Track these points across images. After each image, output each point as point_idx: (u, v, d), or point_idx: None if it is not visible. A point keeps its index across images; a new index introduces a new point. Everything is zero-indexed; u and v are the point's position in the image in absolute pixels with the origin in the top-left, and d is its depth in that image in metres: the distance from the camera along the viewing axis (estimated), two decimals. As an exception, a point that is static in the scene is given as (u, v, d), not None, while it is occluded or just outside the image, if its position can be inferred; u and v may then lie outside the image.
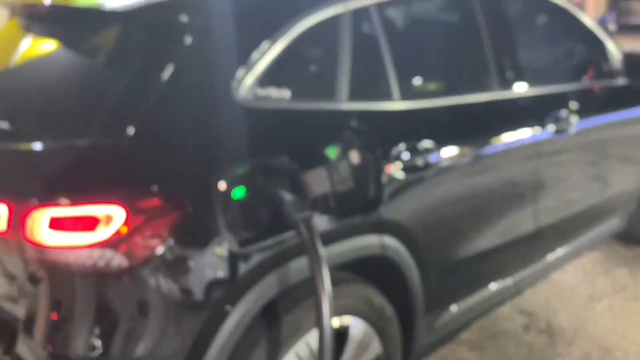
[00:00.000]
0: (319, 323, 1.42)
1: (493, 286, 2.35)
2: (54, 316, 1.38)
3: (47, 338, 1.38)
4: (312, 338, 1.59)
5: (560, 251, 2.70)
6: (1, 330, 1.52)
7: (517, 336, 2.64)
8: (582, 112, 2.53)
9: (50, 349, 1.38)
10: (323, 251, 1.44)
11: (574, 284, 3.10)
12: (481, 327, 2.70)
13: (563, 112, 2.41)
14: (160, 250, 1.34)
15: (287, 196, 1.45)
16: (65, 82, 1.61)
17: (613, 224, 3.12)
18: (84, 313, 1.35)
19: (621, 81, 2.87)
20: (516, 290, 2.52)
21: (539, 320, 2.76)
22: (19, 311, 1.48)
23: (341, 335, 1.72)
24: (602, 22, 17.86)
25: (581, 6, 16.84)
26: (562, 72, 2.72)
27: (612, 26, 18.15)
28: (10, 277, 1.50)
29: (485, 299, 2.33)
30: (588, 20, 2.81)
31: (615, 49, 2.87)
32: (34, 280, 1.41)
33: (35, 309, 1.41)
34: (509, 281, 2.42)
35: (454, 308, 2.17)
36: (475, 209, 2.13)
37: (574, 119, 2.45)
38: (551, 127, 2.34)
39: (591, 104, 2.66)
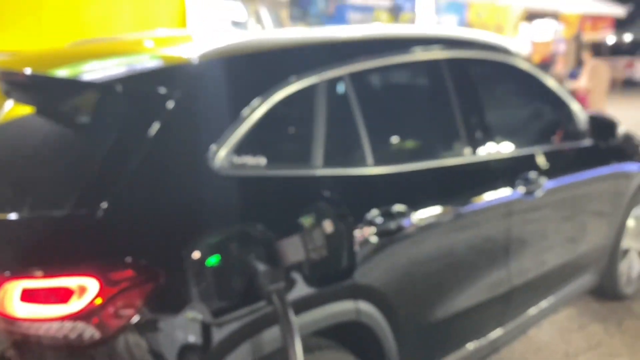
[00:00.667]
0: None
1: (469, 346, 2.36)
2: None
3: None
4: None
5: (535, 309, 2.73)
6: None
7: (495, 396, 2.63)
8: (551, 173, 2.62)
9: None
10: (295, 321, 1.45)
11: (550, 341, 3.12)
12: (459, 387, 2.69)
13: (532, 174, 2.49)
14: (133, 321, 1.34)
15: (261, 266, 1.47)
16: (42, 151, 1.62)
17: (586, 279, 3.18)
18: None
19: (587, 142, 2.98)
20: (493, 349, 2.52)
21: (516, 379, 2.76)
22: None
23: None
24: (573, 76, 18.57)
25: (552, 61, 17.54)
26: (530, 135, 2.82)
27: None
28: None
29: (462, 359, 2.33)
30: (554, 84, 2.94)
31: (580, 111, 3.00)
32: (3, 353, 1.39)
33: None
34: (485, 340, 2.43)
35: (430, 370, 2.17)
36: (449, 271, 2.17)
37: (543, 180, 2.53)
38: (521, 189, 2.42)
39: (559, 165, 2.76)
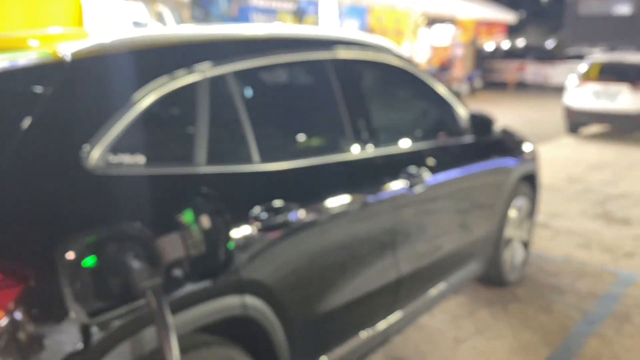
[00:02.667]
0: None
1: (361, 335, 2.44)
2: None
3: None
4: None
5: (424, 297, 2.87)
6: None
7: (389, 384, 2.74)
8: (434, 168, 2.77)
9: None
10: (171, 318, 1.44)
11: (441, 328, 3.29)
12: (355, 378, 2.77)
13: (416, 169, 2.62)
14: (3, 323, 1.28)
15: (135, 264, 1.45)
16: None
17: (473, 268, 3.39)
18: None
19: (468, 138, 3.18)
20: (385, 338, 2.62)
21: (410, 367, 2.89)
22: None
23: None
24: (470, 79, 19.65)
25: (450, 64, 18.43)
26: (414, 132, 2.97)
27: (478, 83, 20.03)
28: None
29: (354, 348, 2.40)
30: (439, 85, 3.11)
31: (462, 110, 3.20)
32: None
33: None
34: (376, 330, 2.52)
35: (322, 361, 2.23)
36: (337, 264, 2.23)
37: (427, 174, 2.67)
38: (405, 183, 2.53)
39: (442, 160, 2.92)
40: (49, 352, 1.34)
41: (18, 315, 1.30)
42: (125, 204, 1.58)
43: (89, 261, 1.40)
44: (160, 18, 8.71)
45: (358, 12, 13.77)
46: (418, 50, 20.70)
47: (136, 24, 9.27)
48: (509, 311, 3.51)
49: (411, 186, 2.56)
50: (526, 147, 3.82)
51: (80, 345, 1.38)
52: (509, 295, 3.73)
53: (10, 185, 1.41)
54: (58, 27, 4.67)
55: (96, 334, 1.41)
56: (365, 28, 14.07)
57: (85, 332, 1.40)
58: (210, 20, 9.73)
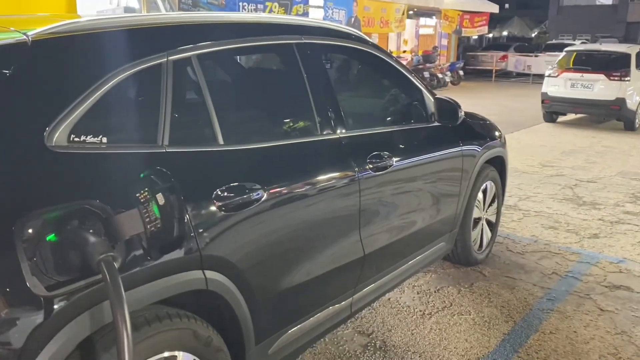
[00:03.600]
0: None
1: (326, 310, 2.55)
2: None
3: None
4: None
5: (390, 274, 2.99)
6: None
7: (356, 356, 2.86)
8: (400, 151, 2.89)
9: None
10: (123, 292, 1.48)
11: (409, 304, 3.43)
12: (324, 349, 2.90)
13: (382, 151, 2.72)
14: None
15: (90, 237, 1.51)
16: None
17: (441, 247, 3.52)
18: None
19: (434, 124, 3.30)
20: (351, 313, 2.74)
21: (377, 340, 3.02)
22: None
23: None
24: (452, 69, 19.77)
25: (434, 54, 18.51)
26: (382, 116, 3.07)
27: (460, 72, 20.18)
28: None
29: (319, 322, 2.51)
30: (408, 72, 3.22)
31: (429, 96, 3.31)
32: None
33: None
34: (342, 304, 2.64)
35: (287, 334, 2.33)
36: (300, 241, 2.33)
37: (392, 157, 2.78)
38: (371, 165, 2.63)
39: (408, 144, 3.04)
40: (8, 325, 1.40)
41: None
42: (85, 182, 1.64)
43: (48, 236, 1.46)
44: (152, 6, 8.71)
45: (345, 2, 13.80)
46: (403, 40, 20.81)
47: (128, 10, 9.29)
48: (474, 289, 3.66)
49: (376, 169, 2.66)
50: (493, 132, 3.95)
51: (38, 318, 1.44)
52: (476, 274, 3.88)
53: None
54: (46, 12, 4.70)
55: (54, 307, 1.47)
56: (352, 18, 14.11)
57: (43, 305, 1.45)
58: (198, 9, 9.73)
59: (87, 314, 1.54)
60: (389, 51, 3.06)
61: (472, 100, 13.70)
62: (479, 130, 3.85)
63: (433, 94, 3.35)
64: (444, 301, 3.48)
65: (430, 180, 3.23)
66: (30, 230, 1.44)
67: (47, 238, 1.47)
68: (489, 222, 4.10)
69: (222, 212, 1.93)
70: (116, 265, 1.50)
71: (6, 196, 1.47)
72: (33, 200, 1.50)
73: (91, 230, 1.53)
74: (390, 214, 2.88)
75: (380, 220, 2.80)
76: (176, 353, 1.81)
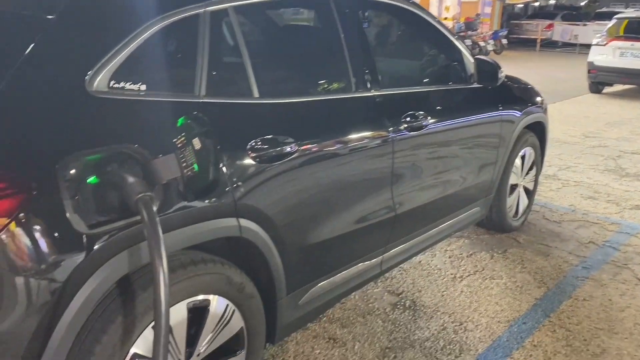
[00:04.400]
0: (155, 301, 1.51)
1: (357, 266, 2.58)
2: None
3: None
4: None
5: (421, 235, 2.99)
6: None
7: (385, 313, 2.90)
8: (437, 112, 2.85)
9: None
10: (160, 230, 1.52)
11: (441, 267, 3.43)
12: (354, 306, 2.95)
13: (418, 112, 2.69)
14: (5, 232, 1.38)
15: (129, 178, 1.56)
16: None
17: (475, 212, 3.49)
18: None
19: (473, 85, 3.23)
20: (381, 271, 2.77)
21: (406, 299, 3.04)
22: None
23: (202, 310, 1.86)
24: (495, 37, 19.16)
25: (477, 21, 17.99)
26: (420, 77, 3.02)
27: (503, 41, 19.56)
28: None
29: (349, 278, 2.55)
30: (448, 31, 3.15)
31: (469, 57, 3.23)
32: None
33: None
34: (372, 262, 2.66)
35: (318, 286, 2.38)
36: (333, 196, 2.34)
37: (429, 117, 2.74)
38: (406, 125, 2.61)
39: (446, 105, 2.99)
40: (52, 261, 1.46)
41: (22, 223, 1.40)
42: (123, 127, 1.68)
43: (89, 177, 1.52)
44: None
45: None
46: (445, 7, 20.24)
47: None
48: (508, 255, 3.63)
49: (411, 128, 2.64)
50: (534, 97, 3.85)
51: (80, 255, 1.50)
52: (510, 241, 3.84)
53: (13, 105, 1.51)
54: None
55: (94, 245, 1.53)
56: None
57: (84, 243, 1.51)
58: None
59: (125, 253, 1.60)
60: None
61: (515, 70, 13.25)
62: (519, 95, 3.76)
63: (473, 55, 3.27)
64: (476, 266, 3.47)
65: (467, 143, 3.18)
66: (72, 171, 1.50)
67: (88, 179, 1.52)
68: (526, 190, 4.03)
69: (257, 163, 1.96)
70: (154, 206, 1.55)
71: (50, 138, 1.53)
72: (75, 142, 1.55)
73: (130, 172, 1.57)
74: (423, 176, 2.86)
75: (412, 181, 2.78)
76: (210, 297, 1.87)
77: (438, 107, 2.92)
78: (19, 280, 1.43)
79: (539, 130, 3.94)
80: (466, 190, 3.29)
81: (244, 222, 1.94)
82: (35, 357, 1.49)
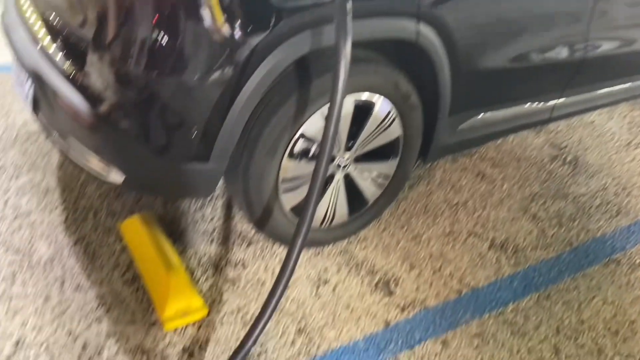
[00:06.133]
0: (333, 84, 1.57)
1: (527, 106, 2.43)
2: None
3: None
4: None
5: (606, 89, 2.70)
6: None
7: (542, 163, 2.77)
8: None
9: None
10: (350, 18, 1.54)
11: (616, 130, 3.13)
12: (510, 150, 2.85)
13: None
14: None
15: None
16: None
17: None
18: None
19: None
20: (550, 117, 2.59)
21: (568, 154, 2.87)
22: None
23: (366, 109, 1.91)
24: None
25: None
26: None
27: None
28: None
29: (515, 116, 2.42)
30: None
31: None
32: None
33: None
34: (543, 105, 2.49)
35: (480, 117, 2.30)
36: (525, 22, 2.14)
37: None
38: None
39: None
40: (238, 32, 1.51)
41: None
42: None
43: None
44: None
45: None
46: None
47: None
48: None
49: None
50: None
51: (262, 31, 1.54)
52: None
53: None
54: None
55: (280, 17, 1.56)
56: None
57: (270, 17, 1.55)
58: None
59: (308, 32, 1.63)
60: None
61: None
62: None
63: None
64: (658, 137, 3.11)
65: None
66: None
67: None
68: None
69: None
70: None
71: None
72: None
73: None
74: (626, 21, 2.50)
75: (613, 22, 2.45)
76: (375, 97, 1.90)
77: None
78: (215, 40, 1.53)
79: None
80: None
81: (423, 27, 1.86)
82: (220, 120, 1.63)
